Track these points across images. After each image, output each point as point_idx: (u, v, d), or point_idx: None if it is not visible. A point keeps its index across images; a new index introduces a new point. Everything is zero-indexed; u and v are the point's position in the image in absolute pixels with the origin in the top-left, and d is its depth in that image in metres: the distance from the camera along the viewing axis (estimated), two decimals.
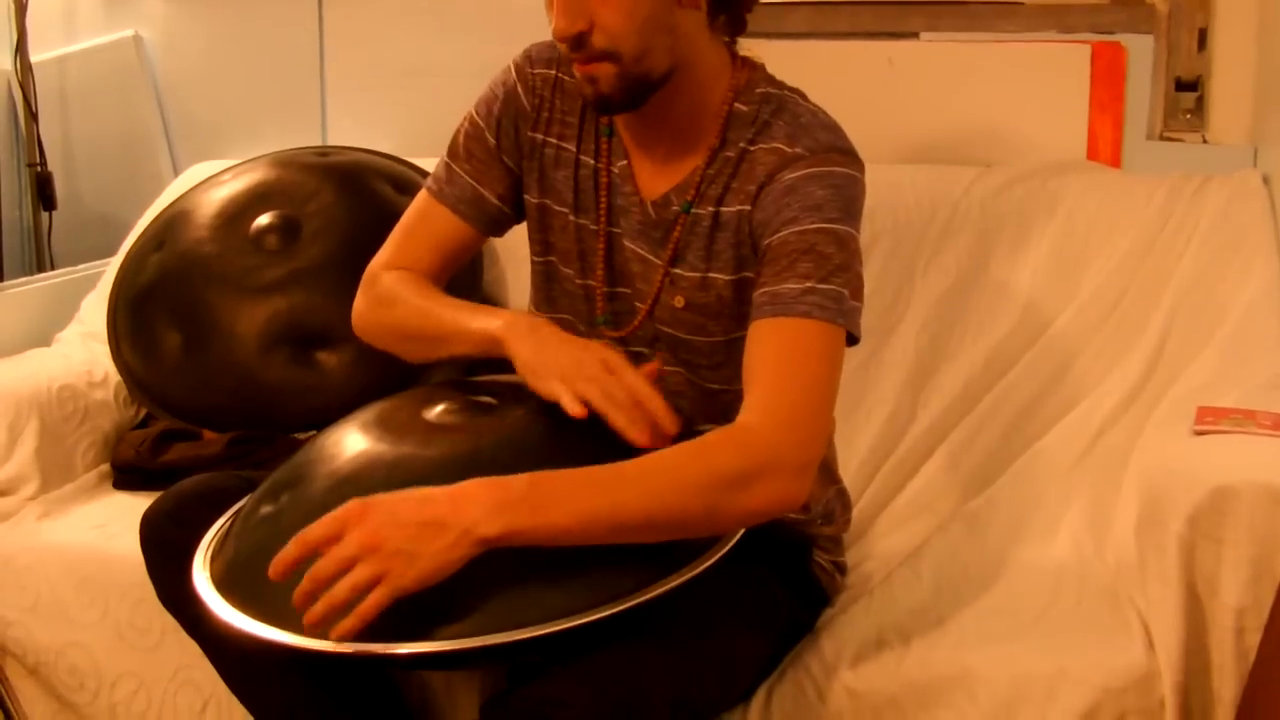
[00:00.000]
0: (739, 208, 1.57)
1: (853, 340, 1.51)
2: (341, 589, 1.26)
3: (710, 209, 1.59)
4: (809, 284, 1.47)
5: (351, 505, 1.29)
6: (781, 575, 1.66)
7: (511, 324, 1.54)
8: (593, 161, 1.66)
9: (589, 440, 1.44)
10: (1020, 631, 1.60)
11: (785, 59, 1.71)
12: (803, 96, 1.62)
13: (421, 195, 1.74)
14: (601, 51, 1.51)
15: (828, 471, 1.75)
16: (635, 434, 1.42)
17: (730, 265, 1.58)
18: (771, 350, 1.47)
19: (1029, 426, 2.03)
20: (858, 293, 1.51)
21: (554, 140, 1.68)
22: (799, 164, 1.53)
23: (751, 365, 1.48)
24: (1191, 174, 2.12)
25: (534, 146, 1.69)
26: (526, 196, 1.71)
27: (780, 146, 1.55)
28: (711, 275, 1.59)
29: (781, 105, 1.58)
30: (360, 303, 1.74)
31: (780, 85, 1.62)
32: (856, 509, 1.99)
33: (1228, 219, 2.04)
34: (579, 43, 1.51)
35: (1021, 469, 1.99)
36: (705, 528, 1.40)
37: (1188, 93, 2.22)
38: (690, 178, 1.60)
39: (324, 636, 1.27)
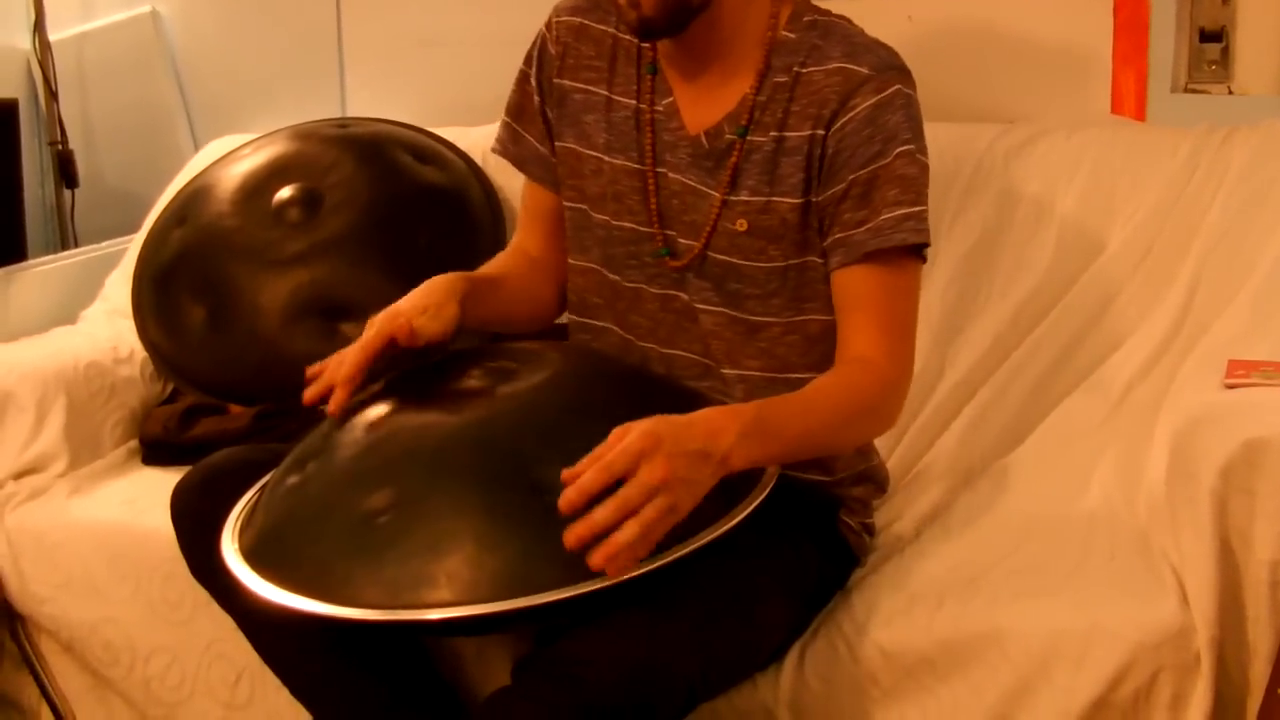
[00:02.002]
0: (808, 132, 1.58)
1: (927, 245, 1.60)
2: (649, 516, 1.26)
3: (772, 134, 1.60)
4: (902, 210, 1.54)
5: (641, 434, 1.28)
6: (809, 536, 1.66)
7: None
8: (634, 102, 1.67)
9: (609, 403, 1.44)
10: (1052, 588, 1.59)
11: None
12: (847, 19, 1.64)
13: (496, 161, 1.86)
14: None
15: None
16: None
17: (797, 189, 1.59)
18: (879, 284, 1.56)
19: (1057, 383, 2.02)
20: (927, 202, 1.59)
21: (581, 85, 1.71)
22: (867, 87, 1.56)
23: (859, 298, 1.57)
24: (1217, 126, 2.10)
25: (562, 93, 1.72)
26: (557, 143, 1.74)
27: (844, 65, 1.57)
28: (775, 199, 1.60)
29: (829, 29, 1.61)
30: None
31: (826, 12, 1.64)
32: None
33: (1255, 170, 2.01)
34: None
35: (1051, 425, 1.98)
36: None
37: (1212, 44, 2.19)
38: (741, 105, 1.62)
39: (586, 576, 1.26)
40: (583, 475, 1.27)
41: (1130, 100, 2.25)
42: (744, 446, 1.36)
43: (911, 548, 1.75)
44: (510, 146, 1.79)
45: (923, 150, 1.59)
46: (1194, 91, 2.22)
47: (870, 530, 1.80)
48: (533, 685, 1.35)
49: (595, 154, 1.70)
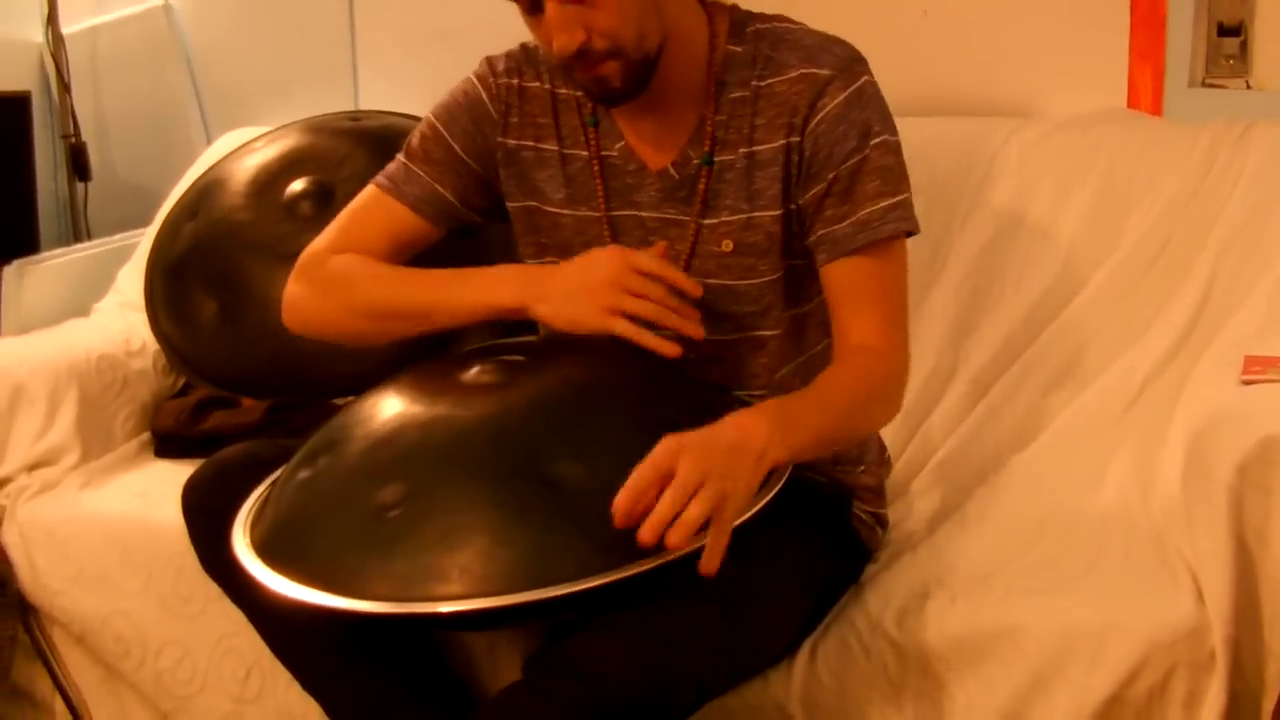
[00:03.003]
0: (781, 141, 1.58)
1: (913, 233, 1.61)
2: (694, 515, 1.27)
3: (741, 151, 1.59)
4: (886, 202, 1.56)
5: (667, 444, 1.30)
6: (821, 529, 1.65)
7: (523, 288, 1.57)
8: (585, 153, 1.65)
9: (623, 398, 1.44)
10: (1067, 585, 1.59)
11: (820, 10, 1.69)
12: (788, 20, 1.63)
13: (369, 190, 1.73)
14: (604, 53, 1.50)
15: None
16: (668, 349, 1.50)
17: (775, 200, 1.59)
18: (871, 274, 1.57)
19: (1072, 379, 2.01)
20: (909, 186, 1.60)
21: (530, 143, 1.68)
22: (833, 86, 1.56)
23: (853, 290, 1.57)
24: (1234, 121, 2.09)
25: (507, 153, 1.69)
26: (509, 204, 1.71)
27: (806, 71, 1.57)
28: (756, 214, 1.60)
29: (776, 37, 1.60)
30: (299, 289, 1.72)
31: (764, 18, 1.63)
32: (898, 465, 1.98)
33: (1273, 166, 2.00)
34: (581, 54, 1.50)
35: (1065, 422, 1.97)
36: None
37: (1230, 38, 2.18)
38: (701, 128, 1.61)
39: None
40: (616, 499, 1.28)
41: (1147, 95, 2.24)
42: (778, 439, 1.37)
43: (925, 544, 1.74)
44: (403, 185, 1.70)
45: (893, 132, 1.58)
46: (1211, 86, 2.21)
47: (883, 522, 1.80)
48: (544, 681, 1.34)
49: (553, 209, 1.68)
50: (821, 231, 1.58)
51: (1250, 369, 1.59)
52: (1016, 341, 2.07)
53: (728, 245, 1.61)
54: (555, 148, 1.67)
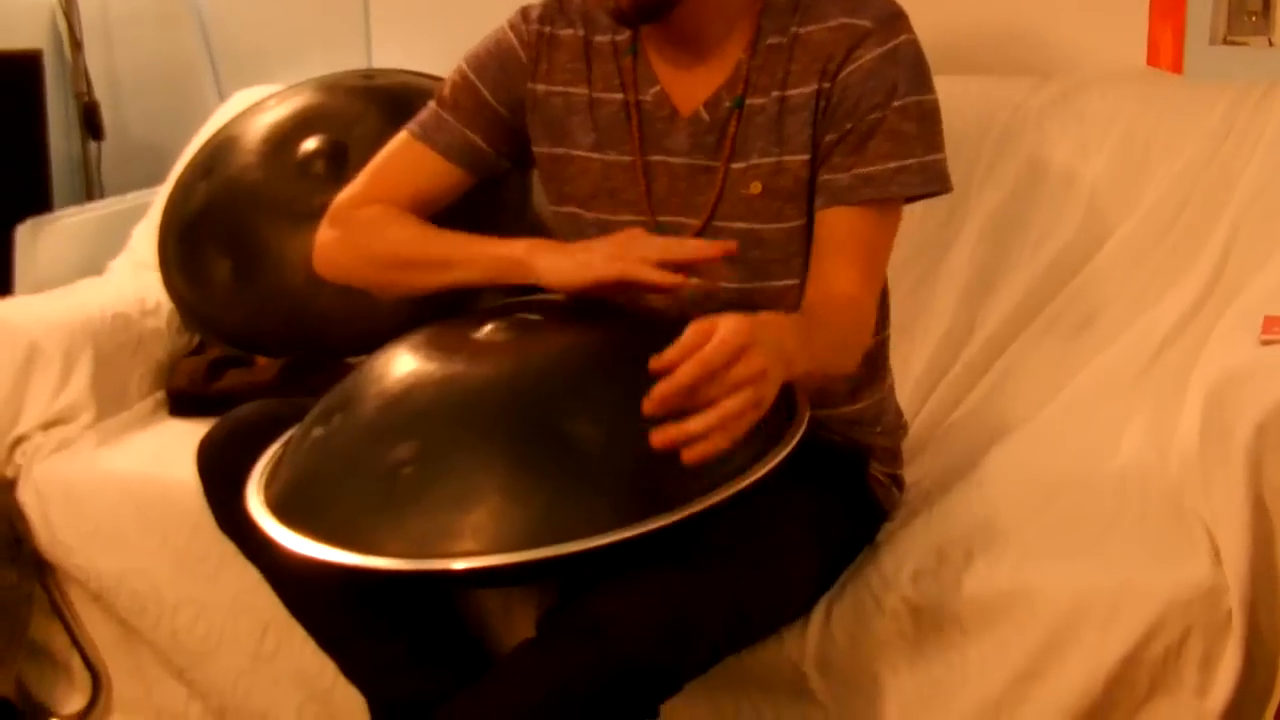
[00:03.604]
0: (813, 87, 1.58)
1: (948, 190, 1.61)
2: (742, 422, 1.24)
3: (774, 94, 1.59)
4: (894, 164, 1.55)
5: (735, 330, 1.22)
6: (837, 489, 1.65)
7: (533, 245, 1.57)
8: (620, 95, 1.66)
9: (637, 357, 1.43)
10: (1083, 546, 1.59)
11: None
12: None
13: (401, 137, 1.75)
14: None
15: (876, 369, 1.74)
16: (671, 279, 1.48)
17: (805, 145, 1.59)
18: (865, 230, 1.57)
19: (1089, 340, 2.00)
20: (939, 144, 1.59)
21: (559, 89, 1.69)
22: (871, 39, 1.56)
23: (847, 240, 1.57)
24: (1257, 80, 2.07)
25: (535, 99, 1.70)
26: (535, 149, 1.72)
27: (846, 21, 1.57)
28: (786, 159, 1.60)
29: None
30: (330, 235, 1.75)
31: None
32: (914, 425, 1.97)
33: None
34: None
35: (1083, 383, 1.96)
36: (838, 375, 1.59)
37: None
38: (736, 73, 1.61)
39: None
40: (678, 369, 1.22)
41: (1167, 53, 2.22)
42: (800, 350, 1.35)
43: (940, 504, 1.74)
44: (434, 133, 1.72)
45: (925, 92, 1.57)
46: (1233, 44, 2.19)
47: (899, 483, 1.80)
48: (558, 639, 1.35)
49: (582, 154, 1.68)
50: (825, 176, 1.58)
51: (1269, 329, 1.58)
52: (1033, 302, 2.06)
53: (756, 188, 1.61)
54: (586, 92, 1.68)
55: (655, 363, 1.22)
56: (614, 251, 1.51)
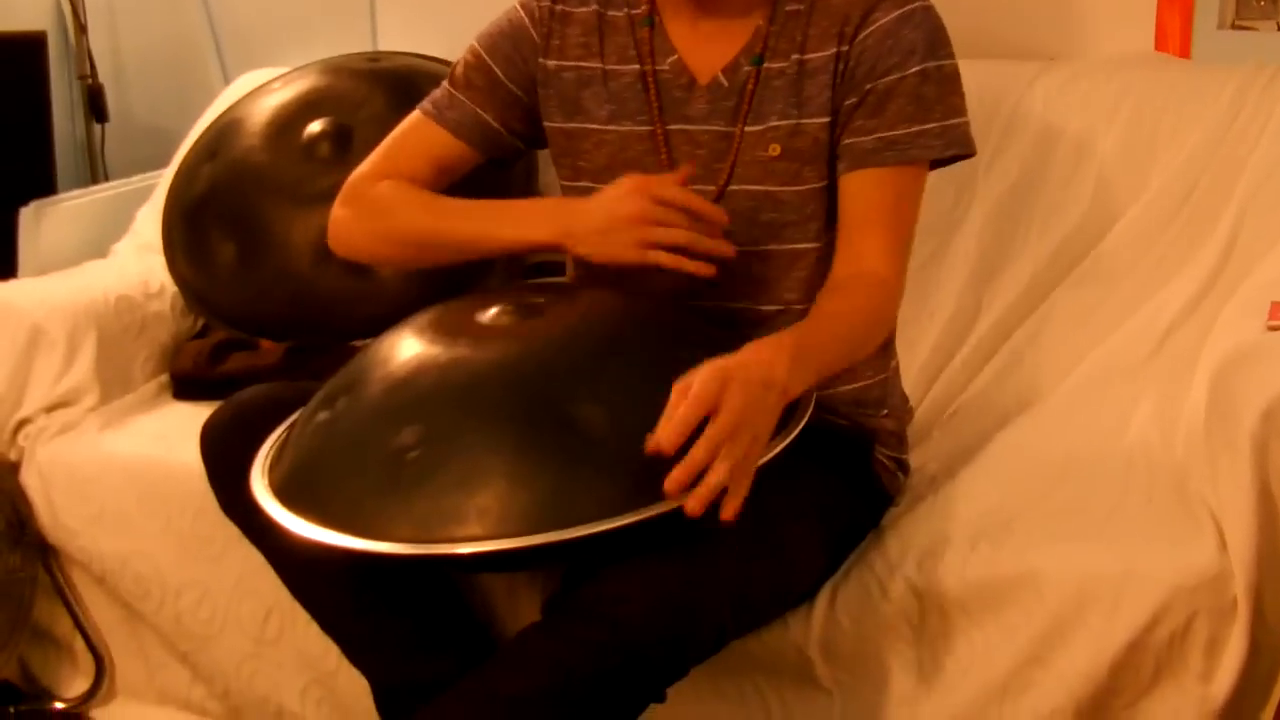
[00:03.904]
0: (831, 50, 1.59)
1: (971, 154, 1.62)
2: (738, 453, 1.28)
3: (794, 57, 1.61)
4: (916, 127, 1.57)
5: (713, 375, 1.29)
6: (842, 473, 1.65)
7: (554, 226, 1.57)
8: (636, 66, 1.66)
9: (642, 340, 1.44)
10: (1088, 531, 1.58)
11: None
12: None
13: (414, 116, 1.77)
14: None
15: (882, 348, 1.73)
16: (704, 270, 1.51)
17: (824, 108, 1.60)
18: (888, 194, 1.58)
19: (1095, 325, 1.99)
20: (962, 108, 1.61)
21: (572, 63, 1.70)
22: (887, 3, 1.58)
23: (870, 207, 1.58)
24: (1265, 64, 2.06)
25: (547, 74, 1.71)
26: (548, 124, 1.73)
27: None
28: (804, 121, 1.61)
29: None
30: (344, 213, 1.75)
31: None
32: (920, 408, 1.97)
33: None
34: None
35: (1089, 367, 1.95)
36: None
37: None
38: (755, 37, 1.62)
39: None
40: (659, 435, 1.27)
41: (1174, 37, 2.21)
42: (796, 373, 1.38)
43: (946, 488, 1.73)
44: (446, 111, 1.73)
45: (944, 57, 1.59)
46: (1241, 28, 2.18)
47: (904, 467, 1.79)
48: (563, 623, 1.35)
49: (597, 127, 1.69)
50: (847, 141, 1.59)
51: (1277, 315, 1.57)
52: (1040, 286, 2.05)
53: (775, 150, 1.61)
54: (599, 65, 1.69)
55: (649, 447, 1.27)
56: (641, 235, 1.51)
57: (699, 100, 1.65)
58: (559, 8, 1.70)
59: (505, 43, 1.72)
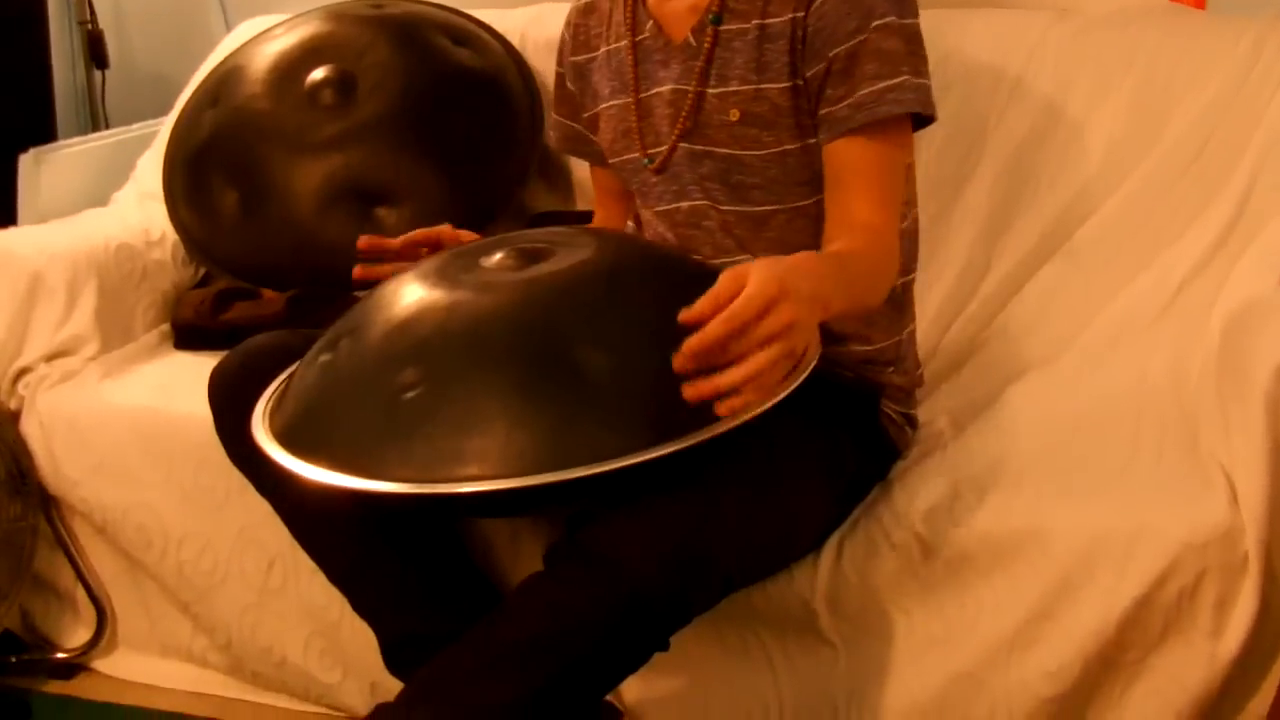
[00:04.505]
0: (789, 15, 1.58)
1: (930, 120, 1.60)
2: (773, 376, 1.25)
3: (755, 22, 1.60)
4: (882, 84, 1.54)
5: (765, 281, 1.22)
6: (848, 426, 1.64)
7: None
8: (626, 41, 1.69)
9: (644, 284, 1.43)
10: (1099, 486, 1.57)
11: None
12: None
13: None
14: None
15: (900, 311, 1.73)
16: None
17: (784, 73, 1.59)
18: (870, 155, 1.56)
19: (1107, 279, 1.97)
20: (925, 71, 1.58)
21: (588, 54, 1.76)
22: None
23: (854, 170, 1.56)
24: None
25: (578, 70, 1.79)
26: (584, 115, 1.81)
27: None
28: (765, 86, 1.60)
29: None
30: None
31: None
32: (929, 364, 1.95)
33: None
34: None
35: (1100, 322, 1.94)
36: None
37: None
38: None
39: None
40: (707, 326, 1.21)
41: None
42: (836, 290, 1.35)
43: (955, 442, 1.72)
44: (564, 142, 1.88)
45: (905, 14, 1.56)
46: None
47: (912, 422, 1.78)
48: (566, 570, 1.34)
49: (605, 105, 1.74)
50: (823, 111, 1.58)
51: None
52: (1051, 239, 2.03)
53: (735, 114, 1.61)
54: (604, 47, 1.73)
55: (685, 315, 1.23)
56: None
57: (674, 62, 1.65)
58: (588, 2, 1.78)
59: (563, 51, 1.82)
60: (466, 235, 1.65)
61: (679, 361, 1.22)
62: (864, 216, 1.55)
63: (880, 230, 1.56)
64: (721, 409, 1.23)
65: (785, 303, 1.23)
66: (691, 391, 1.22)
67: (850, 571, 1.59)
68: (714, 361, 1.22)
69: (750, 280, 1.22)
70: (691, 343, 1.21)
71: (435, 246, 1.62)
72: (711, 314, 1.21)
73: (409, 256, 1.62)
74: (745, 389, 1.22)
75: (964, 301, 2.04)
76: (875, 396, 1.70)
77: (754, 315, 1.21)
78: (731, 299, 1.21)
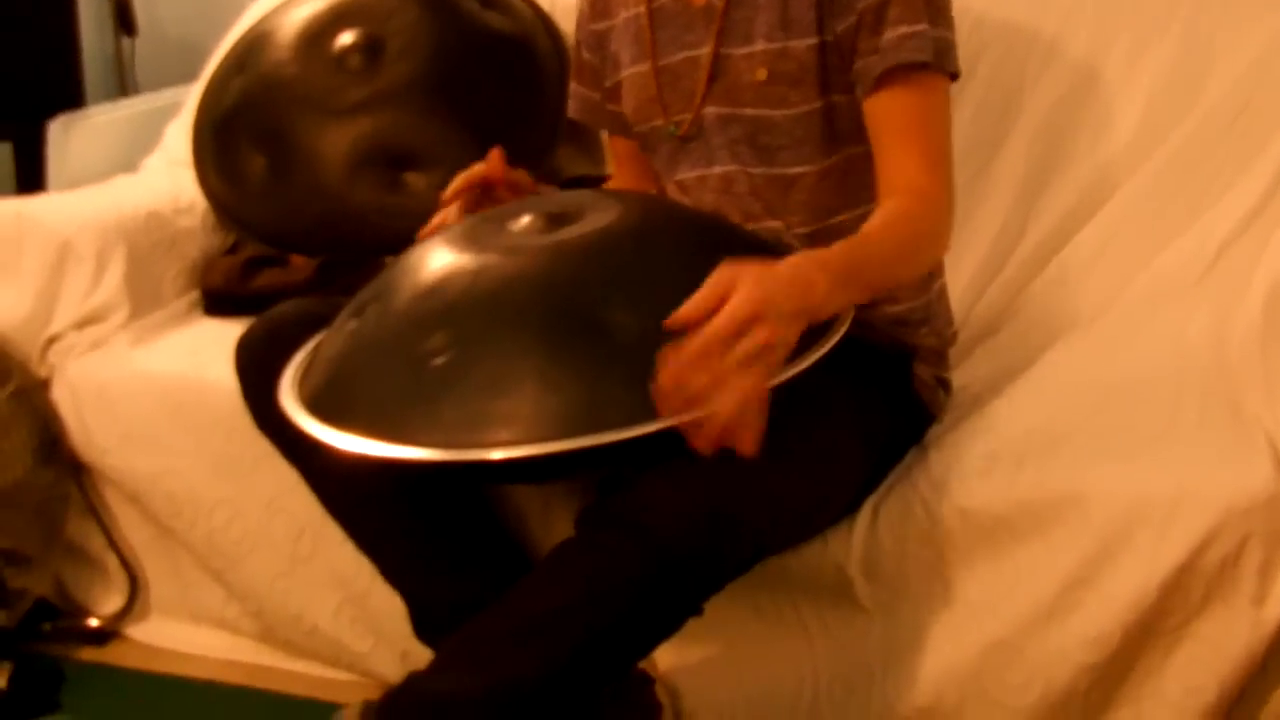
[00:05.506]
0: None
1: (954, 77, 1.58)
2: (743, 352, 1.23)
3: None
4: (904, 29, 1.52)
5: (749, 298, 1.24)
6: (881, 387, 1.62)
7: None
8: (644, 6, 1.67)
9: (676, 247, 1.42)
10: (1139, 450, 1.54)
11: None
12: None
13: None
14: None
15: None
16: None
17: (811, 28, 1.57)
18: (905, 107, 1.55)
19: (1147, 242, 1.94)
20: (944, 24, 1.56)
21: (607, 22, 1.75)
22: None
23: (889, 124, 1.55)
24: None
25: (598, 38, 1.76)
26: (605, 83, 1.77)
27: None
28: (791, 43, 1.58)
29: None
30: None
31: None
32: (964, 329, 1.93)
33: None
34: None
35: (1140, 284, 1.91)
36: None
37: None
38: None
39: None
40: (685, 345, 1.23)
41: None
42: (832, 296, 1.34)
43: (992, 406, 1.69)
44: (582, 112, 1.83)
45: None
46: None
47: (946, 385, 1.76)
48: (598, 534, 1.32)
49: (627, 73, 1.72)
50: (857, 65, 1.56)
51: None
52: (1088, 205, 2.00)
53: (762, 74, 1.59)
54: (623, 14, 1.70)
55: (669, 322, 1.24)
56: None
57: (698, 25, 1.63)
58: None
59: (582, 22, 1.79)
60: (518, 176, 1.64)
61: (663, 379, 1.23)
62: (908, 177, 1.53)
63: (926, 192, 1.53)
64: (699, 442, 1.24)
65: (761, 326, 1.24)
66: (672, 418, 1.23)
67: (886, 537, 1.58)
68: (691, 380, 1.23)
69: (733, 295, 1.24)
70: (670, 361, 1.22)
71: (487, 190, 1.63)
72: (695, 321, 1.23)
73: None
74: (721, 413, 1.23)
75: (999, 266, 2.01)
76: (908, 359, 1.68)
77: (732, 332, 1.23)
78: (716, 306, 1.23)
